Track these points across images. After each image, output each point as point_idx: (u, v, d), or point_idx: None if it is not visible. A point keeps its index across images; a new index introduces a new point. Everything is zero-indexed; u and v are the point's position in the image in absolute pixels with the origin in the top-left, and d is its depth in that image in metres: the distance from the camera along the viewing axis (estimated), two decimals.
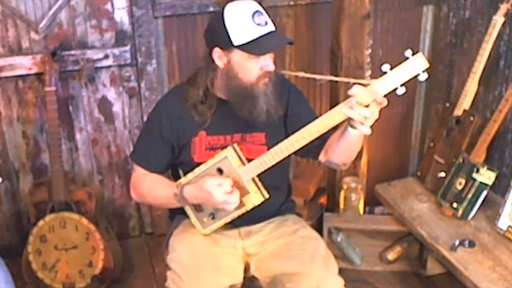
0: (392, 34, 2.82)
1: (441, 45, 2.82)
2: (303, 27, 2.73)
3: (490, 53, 2.38)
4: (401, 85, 1.38)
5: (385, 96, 1.41)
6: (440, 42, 2.83)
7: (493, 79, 2.49)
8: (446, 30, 2.77)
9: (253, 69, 1.61)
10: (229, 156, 1.62)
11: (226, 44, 1.60)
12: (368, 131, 1.47)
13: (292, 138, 1.56)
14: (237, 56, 1.61)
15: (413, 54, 1.37)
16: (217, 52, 1.64)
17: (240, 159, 1.63)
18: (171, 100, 1.78)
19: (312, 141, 1.55)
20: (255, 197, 1.64)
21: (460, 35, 2.69)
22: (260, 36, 1.58)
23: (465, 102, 2.50)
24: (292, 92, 1.81)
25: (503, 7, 2.32)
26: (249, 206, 1.65)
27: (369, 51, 2.46)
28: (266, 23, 1.59)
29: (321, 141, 1.67)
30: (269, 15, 1.64)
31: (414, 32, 2.86)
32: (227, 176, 1.63)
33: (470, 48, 2.62)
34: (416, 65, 1.37)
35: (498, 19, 2.33)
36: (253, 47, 1.58)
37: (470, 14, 2.62)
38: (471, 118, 2.44)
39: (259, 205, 1.65)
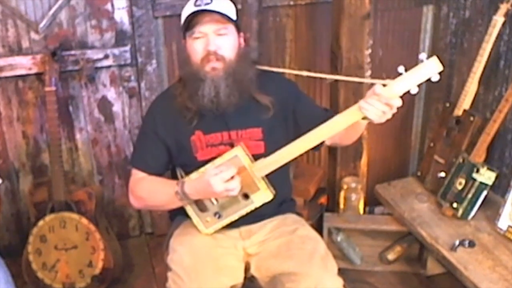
0: (392, 34, 2.82)
1: (441, 45, 2.82)
2: (303, 27, 2.73)
3: (490, 53, 2.38)
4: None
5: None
6: (440, 42, 2.83)
7: (493, 79, 2.49)
8: (446, 30, 2.77)
9: (199, 49, 1.62)
10: (239, 155, 1.62)
11: (182, 29, 1.66)
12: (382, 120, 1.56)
13: (310, 134, 1.57)
14: (187, 38, 1.65)
15: (427, 58, 1.43)
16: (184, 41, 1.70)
17: (249, 157, 1.63)
18: (164, 101, 1.78)
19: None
20: (265, 194, 1.64)
21: (460, 35, 2.69)
22: (193, 13, 1.60)
23: (465, 102, 2.50)
24: (290, 87, 1.82)
25: (503, 7, 2.32)
26: (258, 203, 1.65)
27: (369, 51, 2.45)
28: (206, 4, 1.60)
29: None
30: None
31: (414, 32, 2.86)
32: (238, 174, 1.61)
33: (470, 48, 2.62)
34: (431, 68, 1.43)
35: (498, 19, 2.33)
36: (187, 24, 1.61)
37: (470, 14, 2.62)
38: (471, 118, 2.44)
39: (268, 203, 1.66)
